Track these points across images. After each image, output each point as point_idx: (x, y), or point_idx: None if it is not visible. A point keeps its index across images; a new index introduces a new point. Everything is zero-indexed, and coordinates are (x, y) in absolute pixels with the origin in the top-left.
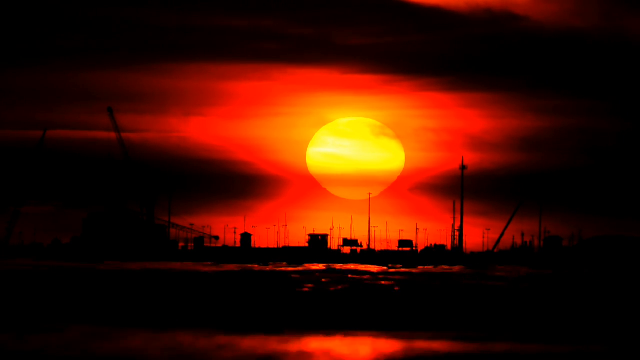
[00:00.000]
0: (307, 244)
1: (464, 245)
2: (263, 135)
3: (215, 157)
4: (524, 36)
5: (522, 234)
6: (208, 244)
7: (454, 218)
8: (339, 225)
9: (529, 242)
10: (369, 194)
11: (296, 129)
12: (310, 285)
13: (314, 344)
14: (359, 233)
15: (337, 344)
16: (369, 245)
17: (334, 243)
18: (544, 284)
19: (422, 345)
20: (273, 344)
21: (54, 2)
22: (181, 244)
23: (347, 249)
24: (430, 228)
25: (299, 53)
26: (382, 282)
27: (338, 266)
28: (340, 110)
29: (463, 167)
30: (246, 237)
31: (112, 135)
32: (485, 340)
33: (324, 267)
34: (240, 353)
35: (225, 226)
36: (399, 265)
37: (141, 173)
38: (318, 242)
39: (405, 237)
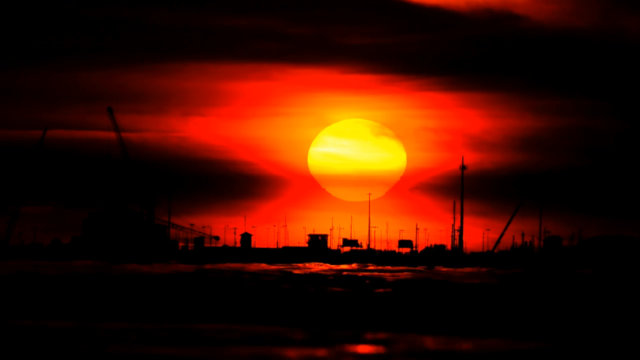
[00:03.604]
0: (307, 244)
1: (464, 245)
2: (263, 135)
3: (216, 157)
4: (524, 36)
5: (522, 234)
6: (208, 244)
7: (454, 218)
8: (339, 225)
9: (529, 242)
10: (369, 194)
11: (296, 129)
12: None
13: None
14: (359, 233)
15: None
16: (368, 246)
17: (333, 243)
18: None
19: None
20: None
21: (54, 2)
22: (181, 244)
23: (347, 249)
24: (430, 228)
25: (299, 53)
26: None
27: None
28: (340, 110)
29: (463, 167)
30: (246, 237)
31: (112, 135)
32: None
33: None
34: None
35: (226, 226)
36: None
37: (141, 173)
38: (318, 242)
39: (405, 237)
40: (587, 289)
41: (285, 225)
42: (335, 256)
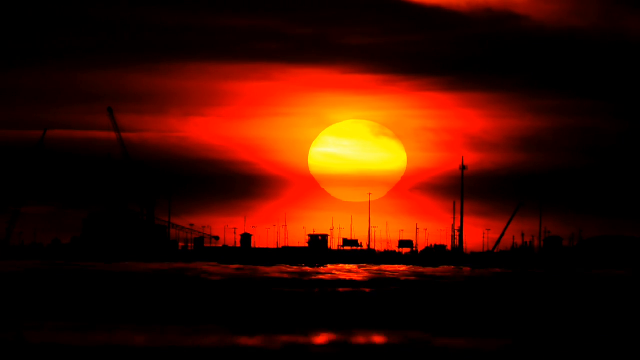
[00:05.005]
0: (307, 244)
1: (464, 245)
2: (263, 135)
3: (216, 157)
4: (524, 36)
5: (522, 234)
6: (208, 244)
7: (454, 218)
8: (339, 225)
9: (529, 242)
10: (369, 194)
11: (296, 129)
12: None
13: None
14: (359, 233)
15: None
16: (369, 246)
17: (334, 243)
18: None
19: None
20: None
21: (54, 2)
22: (181, 244)
23: (347, 249)
24: (430, 228)
25: (299, 53)
26: None
27: None
28: (340, 110)
29: (463, 167)
30: (246, 238)
31: (112, 135)
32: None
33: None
34: None
35: (225, 226)
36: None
37: (141, 173)
38: (318, 242)
39: (406, 237)
40: None
41: (285, 225)
42: (335, 256)
